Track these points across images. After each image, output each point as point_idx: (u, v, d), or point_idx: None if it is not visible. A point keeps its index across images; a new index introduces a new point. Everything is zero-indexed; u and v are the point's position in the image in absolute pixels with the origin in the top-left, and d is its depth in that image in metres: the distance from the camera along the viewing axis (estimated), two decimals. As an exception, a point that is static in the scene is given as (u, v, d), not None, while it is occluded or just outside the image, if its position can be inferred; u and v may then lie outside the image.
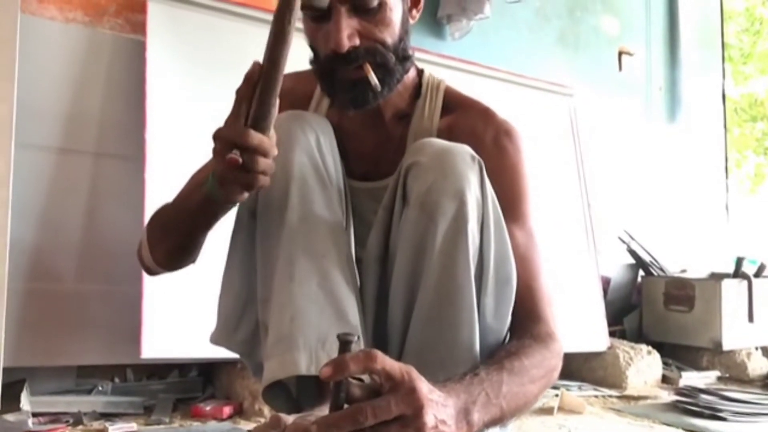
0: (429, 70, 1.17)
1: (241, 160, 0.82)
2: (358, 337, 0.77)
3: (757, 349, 2.74)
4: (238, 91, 0.85)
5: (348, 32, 0.95)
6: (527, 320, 0.99)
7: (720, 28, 3.91)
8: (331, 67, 0.99)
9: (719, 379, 2.61)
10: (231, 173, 0.84)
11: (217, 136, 0.84)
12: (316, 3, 0.84)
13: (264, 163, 0.84)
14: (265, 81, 0.84)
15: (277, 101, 0.85)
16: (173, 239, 1.05)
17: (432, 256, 0.92)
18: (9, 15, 1.45)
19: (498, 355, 0.91)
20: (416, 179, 0.94)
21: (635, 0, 3.49)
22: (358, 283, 1.00)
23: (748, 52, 6.31)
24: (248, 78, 0.84)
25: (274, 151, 0.86)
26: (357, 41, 0.96)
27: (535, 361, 0.91)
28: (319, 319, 0.90)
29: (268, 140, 0.84)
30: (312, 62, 1.04)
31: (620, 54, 3.41)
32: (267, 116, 0.84)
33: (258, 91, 0.84)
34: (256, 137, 0.82)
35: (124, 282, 1.80)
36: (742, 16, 6.39)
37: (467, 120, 1.09)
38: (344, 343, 0.73)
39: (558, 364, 0.98)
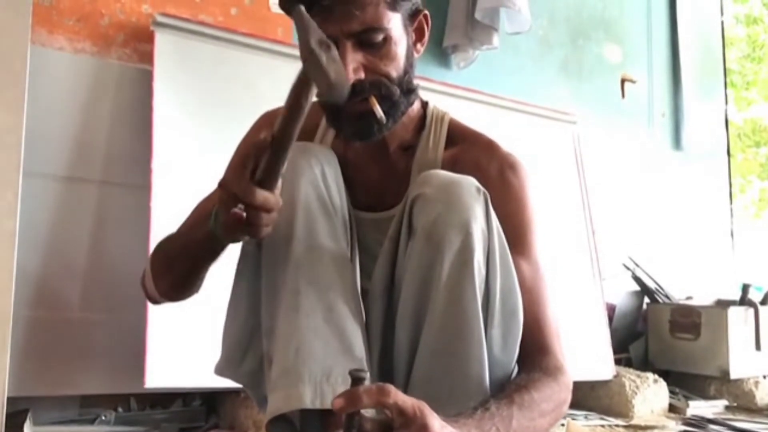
0: (434, 99, 1.18)
1: (245, 215, 0.84)
2: (369, 374, 0.77)
3: (765, 377, 2.71)
4: (247, 150, 0.86)
5: (353, 66, 0.97)
6: (535, 353, 0.99)
7: (722, 54, 3.94)
8: None
9: (727, 408, 2.58)
10: (234, 224, 0.85)
11: (223, 185, 0.85)
12: (334, 97, 0.84)
13: (267, 218, 0.86)
14: (277, 149, 0.84)
15: (286, 165, 0.86)
16: (177, 271, 1.06)
17: (438, 288, 0.92)
18: (19, 48, 1.47)
19: (508, 388, 0.91)
20: (422, 211, 0.94)
21: (637, 28, 3.52)
22: (364, 314, 1.00)
23: (752, 79, 6.35)
24: (259, 146, 0.85)
25: (278, 205, 0.88)
26: (362, 75, 0.98)
27: (545, 395, 0.92)
28: (325, 352, 0.90)
29: (273, 197, 0.85)
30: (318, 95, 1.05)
31: (623, 81, 3.43)
32: (274, 177, 0.86)
33: (268, 155, 0.85)
34: (261, 195, 0.84)
35: (129, 311, 1.80)
36: (744, 42, 6.44)
37: (471, 152, 1.10)
38: (356, 380, 0.73)
39: (567, 397, 0.98)
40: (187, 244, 1.03)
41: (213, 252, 1.00)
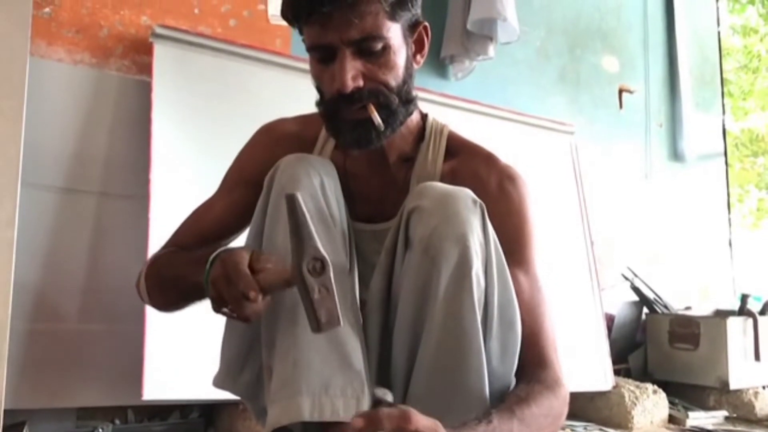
0: (432, 110, 1.19)
1: (234, 316, 0.89)
2: (392, 400, 0.78)
3: (764, 388, 2.71)
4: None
5: (352, 73, 0.97)
6: (534, 366, 0.99)
7: (719, 65, 3.95)
8: (335, 107, 1.01)
9: (727, 419, 2.57)
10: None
11: (214, 284, 0.90)
12: (327, 330, 0.83)
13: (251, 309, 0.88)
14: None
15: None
16: (168, 297, 1.08)
17: (436, 301, 0.92)
18: (19, 60, 1.48)
19: (508, 400, 0.91)
20: (418, 223, 0.94)
21: (634, 38, 3.54)
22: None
23: (748, 89, 6.37)
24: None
25: (266, 304, 0.89)
26: (361, 82, 0.98)
27: (544, 409, 0.92)
28: (323, 364, 0.89)
29: (260, 306, 0.87)
30: (317, 103, 1.06)
31: (620, 91, 3.44)
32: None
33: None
34: (249, 310, 0.86)
35: (127, 323, 1.79)
36: (740, 52, 6.47)
37: (470, 165, 1.10)
38: (378, 402, 0.75)
39: (565, 411, 0.98)
40: (180, 279, 1.02)
41: (203, 296, 1.00)
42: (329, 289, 0.81)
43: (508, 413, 0.87)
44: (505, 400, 0.91)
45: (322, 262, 0.82)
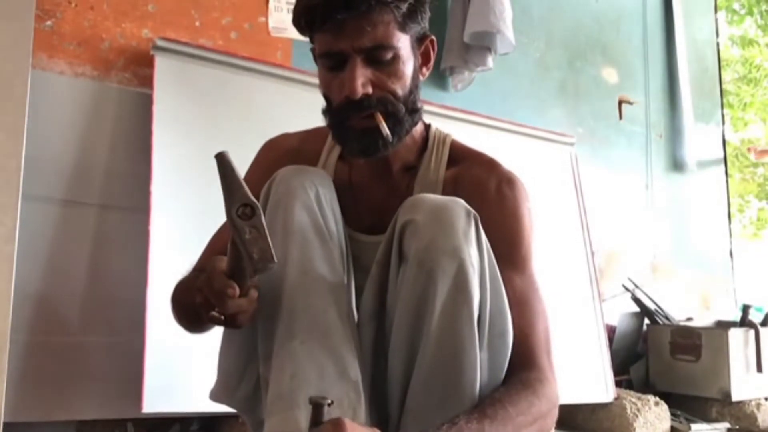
0: (433, 121, 1.20)
1: (223, 318, 0.91)
2: (331, 402, 0.80)
3: (767, 399, 2.70)
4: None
5: (362, 80, 0.99)
6: (519, 366, 0.98)
7: (718, 75, 3.97)
8: (343, 114, 1.02)
9: (729, 431, 2.56)
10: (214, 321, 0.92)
11: (200, 290, 0.91)
12: (261, 271, 0.83)
13: (243, 318, 0.91)
14: (232, 275, 0.88)
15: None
16: (190, 320, 1.07)
17: (432, 314, 0.91)
18: (20, 73, 1.49)
19: (482, 403, 0.90)
20: (413, 237, 0.94)
21: (633, 50, 3.55)
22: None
23: (749, 101, 6.39)
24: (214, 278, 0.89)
25: (253, 305, 0.92)
26: (370, 90, 1.00)
27: (521, 408, 0.90)
28: (320, 376, 0.90)
29: (245, 302, 0.90)
30: (324, 111, 1.07)
31: (620, 103, 3.45)
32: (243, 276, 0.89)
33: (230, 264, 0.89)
34: (233, 306, 0.88)
35: (127, 335, 1.79)
36: (739, 63, 6.49)
37: (472, 171, 1.11)
38: (317, 406, 0.77)
39: (550, 410, 0.96)
40: (190, 303, 1.01)
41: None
42: (260, 230, 0.82)
43: (478, 414, 0.86)
44: (479, 403, 0.90)
45: (252, 207, 0.83)
